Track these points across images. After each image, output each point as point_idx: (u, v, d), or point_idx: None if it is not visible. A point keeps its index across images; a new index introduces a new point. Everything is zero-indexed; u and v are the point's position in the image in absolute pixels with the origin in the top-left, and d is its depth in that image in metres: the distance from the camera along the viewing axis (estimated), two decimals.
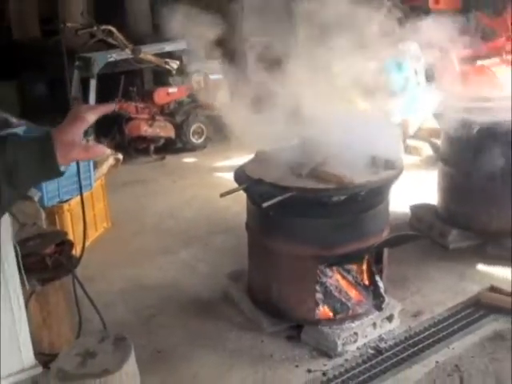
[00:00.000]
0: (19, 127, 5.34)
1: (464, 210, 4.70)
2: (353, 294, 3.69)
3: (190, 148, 7.39)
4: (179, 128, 7.36)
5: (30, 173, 1.35)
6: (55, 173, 1.39)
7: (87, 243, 4.15)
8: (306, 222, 3.47)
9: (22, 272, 3.18)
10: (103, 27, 7.14)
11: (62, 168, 1.40)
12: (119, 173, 5.91)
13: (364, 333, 3.61)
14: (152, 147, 7.28)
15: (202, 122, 7.45)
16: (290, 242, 3.52)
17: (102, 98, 7.12)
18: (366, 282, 3.73)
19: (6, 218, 3.03)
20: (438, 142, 5.35)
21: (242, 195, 3.76)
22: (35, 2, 8.91)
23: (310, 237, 3.49)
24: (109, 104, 1.57)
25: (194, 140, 7.41)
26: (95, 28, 7.20)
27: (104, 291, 4.18)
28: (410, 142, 6.90)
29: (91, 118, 1.47)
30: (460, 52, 7.86)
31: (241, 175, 3.67)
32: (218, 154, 7.14)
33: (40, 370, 3.19)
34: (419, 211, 5.04)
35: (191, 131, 7.37)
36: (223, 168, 6.57)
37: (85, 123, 1.46)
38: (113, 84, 7.28)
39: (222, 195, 3.50)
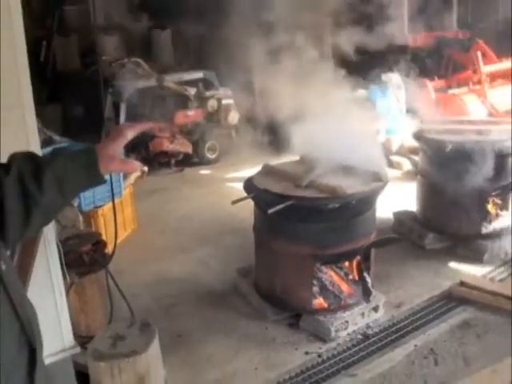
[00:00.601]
0: (61, 144, 5.34)
1: (438, 216, 4.67)
2: (344, 287, 3.67)
3: (205, 162, 7.37)
4: (196, 145, 7.35)
5: (78, 181, 1.33)
6: (99, 181, 1.38)
7: (118, 242, 4.12)
8: (305, 226, 3.46)
9: (64, 266, 3.17)
10: (132, 59, 7.16)
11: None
12: (145, 183, 5.89)
13: (354, 321, 3.59)
14: (173, 161, 7.27)
15: (215, 139, 7.44)
16: (291, 242, 3.51)
17: (130, 119, 7.13)
18: (356, 278, 3.70)
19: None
20: (417, 158, 5.34)
21: (249, 202, 3.75)
22: (76, 39, 8.92)
23: (308, 238, 3.47)
24: (146, 122, 1.57)
25: (209, 155, 7.39)
26: (126, 60, 7.23)
27: (132, 283, 4.16)
28: (393, 158, 6.87)
29: (131, 134, 1.45)
30: (435, 82, 7.87)
31: (249, 185, 3.66)
32: (229, 167, 7.13)
33: (78, 350, 3.17)
34: (401, 217, 5.02)
35: (206, 147, 7.36)
36: (233, 179, 6.54)
37: (124, 139, 1.44)
38: (140, 107, 7.29)
39: (233, 202, 3.50)
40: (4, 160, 1.47)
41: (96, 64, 8.08)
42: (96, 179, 1.37)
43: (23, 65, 2.64)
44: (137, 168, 1.51)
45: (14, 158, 1.32)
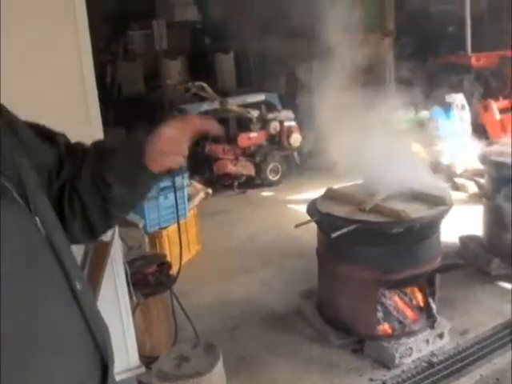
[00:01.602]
0: None
1: (505, 241, 4.55)
2: (409, 313, 3.61)
3: (267, 184, 7.40)
4: (258, 167, 7.39)
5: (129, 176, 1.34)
6: (148, 178, 1.37)
7: (182, 264, 4.18)
8: (369, 250, 3.43)
9: (130, 287, 3.23)
10: (196, 83, 7.29)
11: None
12: (208, 204, 5.95)
13: (418, 348, 3.52)
14: (236, 183, 7.32)
15: (277, 161, 7.46)
16: (355, 266, 3.48)
17: (194, 142, 7.23)
18: (421, 303, 3.64)
19: (118, 242, 3.09)
20: (482, 180, 5.23)
21: (313, 225, 3.75)
22: (141, 64, 9.13)
23: (372, 263, 3.44)
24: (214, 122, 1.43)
25: (271, 177, 7.42)
26: (190, 84, 7.36)
27: (196, 304, 4.19)
28: (458, 180, 6.75)
29: (198, 122, 1.38)
30: (499, 103, 7.71)
31: (313, 209, 3.66)
32: (291, 189, 7.14)
33: (143, 369, 3.21)
34: (466, 241, 4.91)
35: (268, 169, 7.39)
36: (296, 201, 6.55)
37: (191, 124, 1.37)
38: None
39: (296, 226, 3.50)
40: None
41: (160, 88, 8.26)
42: (144, 178, 1.35)
43: (92, 90, 2.73)
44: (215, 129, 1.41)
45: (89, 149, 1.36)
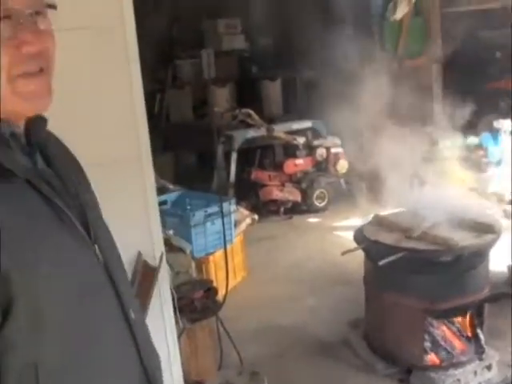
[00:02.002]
0: (174, 192, 5.53)
1: None
2: (457, 343, 3.54)
3: (313, 210, 7.37)
4: (304, 193, 7.38)
5: None
6: None
7: (228, 289, 4.20)
8: (417, 279, 3.39)
9: (177, 312, 3.25)
10: (243, 110, 7.35)
11: None
12: (254, 230, 5.96)
13: (466, 379, 3.45)
14: (282, 209, 7.32)
15: (324, 188, 7.44)
16: (402, 295, 3.45)
17: (241, 168, 7.31)
18: (469, 334, 3.57)
19: (166, 267, 3.11)
20: None
21: (359, 252, 3.72)
22: (189, 92, 9.27)
23: (419, 291, 3.40)
24: None
25: (317, 203, 7.39)
26: (237, 111, 7.43)
27: (241, 330, 4.18)
28: (507, 208, 6.62)
29: None
30: None
31: (360, 236, 3.65)
32: (338, 215, 7.09)
33: None
34: None
35: (315, 196, 7.37)
36: (342, 228, 6.50)
37: None
38: (250, 156, 7.45)
39: (343, 253, 3.50)
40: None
41: (208, 115, 8.36)
42: None
43: (141, 118, 2.78)
44: None
45: None
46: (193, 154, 9.08)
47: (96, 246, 1.13)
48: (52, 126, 1.23)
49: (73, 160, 1.29)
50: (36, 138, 1.12)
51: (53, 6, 1.08)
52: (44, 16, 1.06)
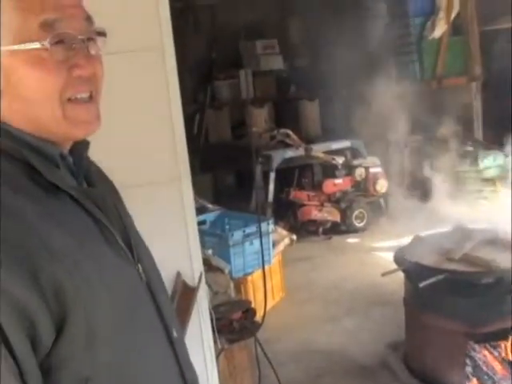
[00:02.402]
0: (213, 212, 5.56)
1: None
2: (498, 368, 3.45)
3: (352, 230, 7.32)
4: (344, 213, 7.33)
5: None
6: None
7: (266, 310, 4.18)
8: (458, 301, 3.34)
9: (215, 332, 3.25)
10: (282, 130, 7.38)
11: None
12: (292, 250, 5.94)
13: None
14: (320, 229, 7.29)
15: (363, 207, 7.39)
16: (443, 318, 3.39)
17: (279, 188, 7.31)
18: (511, 358, 3.49)
19: (204, 287, 3.12)
20: None
21: (399, 274, 3.69)
22: (227, 113, 9.34)
23: (460, 314, 3.34)
24: None
25: (356, 223, 7.34)
26: (275, 131, 7.46)
27: (279, 352, 4.16)
28: None
29: None
30: None
31: (400, 257, 3.61)
32: (377, 235, 7.02)
33: None
34: None
35: (354, 216, 7.32)
36: (382, 248, 6.44)
37: None
38: (289, 176, 7.45)
39: (383, 274, 3.48)
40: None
41: (246, 135, 8.40)
42: None
43: (181, 139, 2.81)
44: None
45: None
46: (231, 173, 9.13)
47: (139, 266, 1.15)
48: (92, 148, 1.26)
49: (112, 188, 1.32)
50: (80, 160, 1.15)
51: (103, 34, 1.12)
52: (95, 42, 1.09)
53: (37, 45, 1.02)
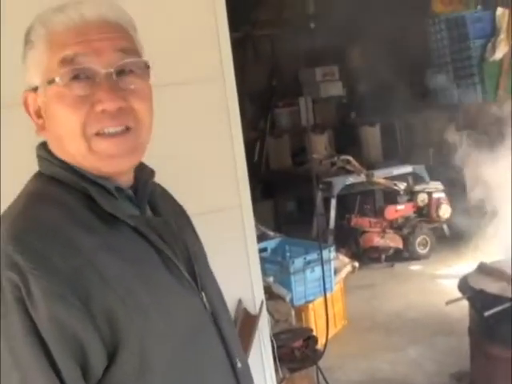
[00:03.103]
0: (274, 239, 5.57)
1: None
2: None
3: (415, 257, 7.20)
4: (406, 239, 7.23)
5: None
6: None
7: (328, 338, 4.15)
8: None
9: (276, 360, 3.24)
10: (342, 157, 7.37)
11: None
12: (354, 277, 5.89)
13: None
14: (383, 256, 7.20)
15: (426, 234, 7.28)
16: (509, 348, 3.29)
17: (340, 214, 7.27)
18: None
19: (266, 315, 3.12)
20: None
21: (464, 302, 3.61)
22: (287, 140, 9.40)
23: None
24: None
25: (420, 250, 7.22)
26: (336, 158, 7.45)
27: (341, 380, 4.13)
28: None
29: None
30: None
31: (465, 285, 3.54)
32: (441, 262, 6.90)
33: None
34: None
35: (417, 242, 7.21)
36: (445, 276, 6.32)
37: None
38: (350, 202, 7.41)
39: (448, 303, 3.41)
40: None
41: (306, 162, 8.41)
42: None
43: (242, 167, 2.84)
44: None
45: None
46: (292, 200, 9.14)
47: (203, 294, 1.15)
48: (156, 177, 1.29)
49: (181, 212, 1.34)
50: (144, 188, 1.17)
51: (144, 66, 1.12)
52: (133, 75, 1.09)
53: (55, 81, 1.04)
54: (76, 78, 1.04)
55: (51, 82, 1.05)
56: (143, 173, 1.18)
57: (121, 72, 1.07)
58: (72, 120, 1.04)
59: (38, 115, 1.10)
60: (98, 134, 1.05)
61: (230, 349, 1.15)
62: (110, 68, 1.05)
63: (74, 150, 1.07)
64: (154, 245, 1.08)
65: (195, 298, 1.13)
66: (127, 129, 1.07)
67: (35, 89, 1.09)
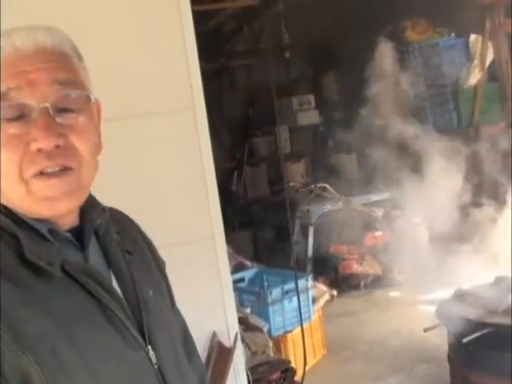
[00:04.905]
0: (251, 269, 5.53)
1: None
2: None
3: (395, 283, 7.17)
4: (385, 266, 7.21)
5: None
6: None
7: (307, 369, 4.09)
8: (504, 357, 3.19)
9: None
10: (319, 185, 7.36)
11: None
12: (333, 306, 5.84)
13: None
14: (362, 283, 7.17)
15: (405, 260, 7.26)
16: (489, 375, 3.25)
17: (319, 242, 7.24)
18: None
19: (241, 347, 3.06)
20: None
21: (443, 328, 3.58)
22: (265, 169, 9.42)
23: (507, 371, 3.19)
24: None
25: (399, 276, 7.19)
26: (313, 186, 7.45)
27: None
28: None
29: None
30: None
31: (442, 311, 3.51)
32: (420, 288, 6.84)
33: None
34: None
35: (396, 269, 7.18)
36: (424, 301, 6.28)
37: None
38: (328, 230, 7.39)
39: (425, 330, 3.38)
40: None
41: (283, 191, 8.40)
42: None
43: (214, 198, 2.81)
44: None
45: None
46: (271, 229, 9.11)
47: (149, 347, 1.05)
48: (125, 209, 1.23)
49: (144, 251, 1.23)
50: (89, 230, 1.07)
51: (88, 99, 1.04)
52: (73, 110, 1.00)
53: None
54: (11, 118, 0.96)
55: None
56: (91, 212, 1.08)
57: (59, 106, 0.98)
58: (7, 161, 0.96)
59: None
60: (35, 176, 0.97)
61: None
62: (45, 102, 0.96)
63: (10, 191, 0.99)
64: (92, 294, 0.99)
65: (139, 353, 1.03)
66: (65, 169, 0.99)
67: None
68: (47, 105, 0.96)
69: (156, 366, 1.04)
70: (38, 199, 0.98)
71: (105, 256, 1.10)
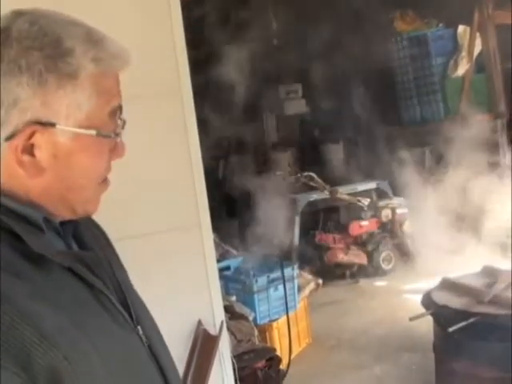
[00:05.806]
0: (237, 258, 5.51)
1: None
2: None
3: (380, 273, 7.18)
4: (370, 255, 7.22)
5: None
6: None
7: (292, 357, 4.08)
8: (489, 346, 3.21)
9: (237, 382, 3.16)
10: (305, 174, 7.34)
11: None
12: (319, 295, 5.85)
13: None
14: (347, 272, 7.18)
15: (390, 250, 7.27)
16: (474, 363, 3.26)
17: (304, 231, 7.23)
18: None
19: (226, 335, 3.05)
20: None
21: (429, 317, 3.58)
22: (252, 157, 9.36)
23: (492, 360, 3.20)
24: None
25: (384, 266, 7.20)
26: (299, 175, 7.42)
27: None
28: None
29: None
30: None
31: (428, 301, 3.51)
32: (405, 278, 6.88)
33: None
34: None
35: (381, 258, 7.20)
36: (410, 290, 6.30)
37: None
38: (314, 219, 7.39)
39: (411, 319, 3.37)
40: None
41: (270, 179, 8.38)
42: None
43: (200, 185, 2.79)
44: None
45: None
46: (256, 219, 9.09)
47: (139, 328, 1.08)
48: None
49: (101, 235, 1.23)
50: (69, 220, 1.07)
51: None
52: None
53: (110, 134, 1.00)
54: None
55: (104, 134, 0.98)
56: None
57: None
58: (99, 171, 1.02)
59: (29, 153, 0.94)
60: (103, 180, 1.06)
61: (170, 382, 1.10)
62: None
63: (81, 198, 1.02)
64: (84, 280, 0.99)
65: (131, 334, 1.06)
66: None
67: (45, 124, 0.93)
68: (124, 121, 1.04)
69: (146, 345, 1.08)
70: (97, 200, 1.05)
71: (80, 246, 1.09)
